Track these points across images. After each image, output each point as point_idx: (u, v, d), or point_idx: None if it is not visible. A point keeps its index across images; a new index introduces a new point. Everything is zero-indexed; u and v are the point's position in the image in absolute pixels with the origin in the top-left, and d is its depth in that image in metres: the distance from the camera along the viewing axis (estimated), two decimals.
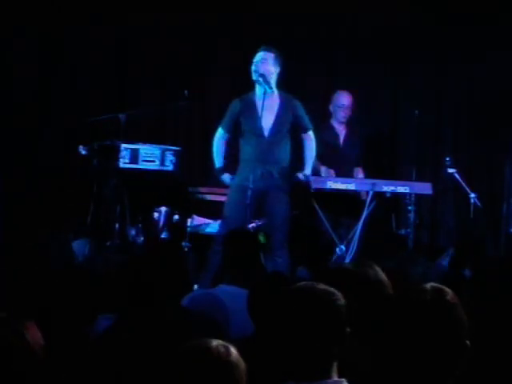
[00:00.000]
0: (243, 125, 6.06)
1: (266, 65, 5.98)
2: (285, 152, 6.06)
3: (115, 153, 6.46)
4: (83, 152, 6.48)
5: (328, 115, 6.83)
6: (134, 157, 6.54)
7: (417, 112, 7.05)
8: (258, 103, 5.97)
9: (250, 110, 6.01)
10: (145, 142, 6.74)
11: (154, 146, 6.69)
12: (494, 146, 7.43)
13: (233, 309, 3.40)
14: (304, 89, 7.49)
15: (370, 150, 6.96)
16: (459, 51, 7.44)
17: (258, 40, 6.17)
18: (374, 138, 7.37)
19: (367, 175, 6.71)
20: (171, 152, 6.69)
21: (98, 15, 7.30)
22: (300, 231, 6.50)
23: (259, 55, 6.02)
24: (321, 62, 7.61)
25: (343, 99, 6.70)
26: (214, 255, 5.66)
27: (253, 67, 6.00)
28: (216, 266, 5.56)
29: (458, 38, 7.43)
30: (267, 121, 5.98)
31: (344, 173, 6.61)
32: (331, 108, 6.77)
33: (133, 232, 6.44)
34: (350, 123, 6.79)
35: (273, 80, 6.03)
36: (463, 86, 7.55)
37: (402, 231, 6.61)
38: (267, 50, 6.03)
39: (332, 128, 6.78)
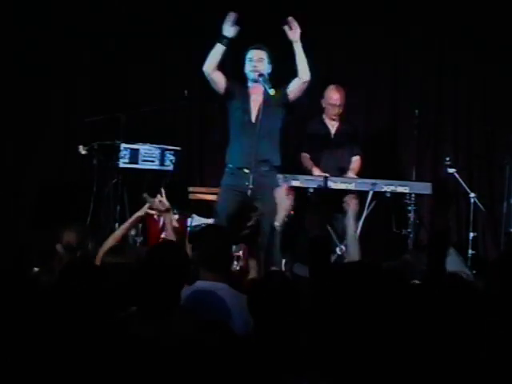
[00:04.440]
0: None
1: (262, 64, 5.94)
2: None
3: (115, 152, 6.48)
4: (83, 152, 6.48)
5: (320, 110, 6.77)
6: (134, 157, 6.56)
7: (417, 112, 7.05)
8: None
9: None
10: (145, 142, 6.75)
11: (154, 145, 6.70)
12: (494, 145, 7.44)
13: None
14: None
15: (370, 150, 6.94)
16: (459, 51, 7.44)
17: (258, 38, 6.15)
18: (374, 138, 7.37)
19: (365, 168, 6.69)
20: (171, 152, 6.70)
21: (98, 14, 7.31)
22: (299, 231, 6.50)
23: (254, 53, 5.95)
24: (320, 60, 7.60)
25: (333, 97, 6.60)
26: None
27: (249, 67, 5.95)
28: None
29: (458, 37, 7.43)
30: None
31: (337, 165, 6.59)
32: (323, 103, 6.70)
33: (133, 232, 6.44)
34: (342, 117, 6.75)
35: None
36: (463, 85, 7.55)
37: (402, 231, 6.61)
38: (260, 48, 5.95)
39: (322, 123, 6.70)
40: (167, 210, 4.63)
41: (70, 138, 7.10)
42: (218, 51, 5.80)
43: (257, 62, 5.89)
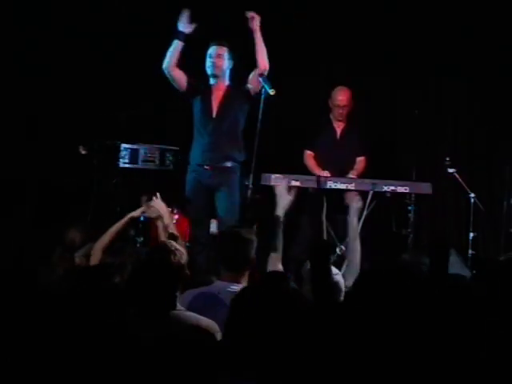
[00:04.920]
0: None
1: (221, 60, 5.95)
2: None
3: (115, 152, 6.48)
4: (83, 152, 6.48)
5: (328, 110, 6.86)
6: (134, 157, 6.56)
7: (417, 112, 7.05)
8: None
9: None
10: (145, 142, 6.75)
11: (154, 145, 6.70)
12: (494, 145, 7.43)
13: None
14: (303, 88, 7.49)
15: (370, 150, 6.95)
16: (459, 50, 7.43)
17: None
18: (374, 139, 7.36)
19: (365, 168, 6.72)
20: (171, 152, 6.70)
21: (98, 14, 7.30)
22: (298, 231, 6.50)
23: (213, 50, 5.96)
24: (320, 61, 7.61)
25: (339, 98, 6.75)
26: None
27: (208, 63, 5.97)
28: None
29: (458, 37, 7.42)
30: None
31: (341, 166, 6.66)
32: (330, 104, 6.82)
33: (133, 232, 6.43)
34: (348, 118, 6.82)
35: (226, 75, 6.01)
36: (463, 85, 7.54)
37: (402, 231, 6.61)
38: (220, 44, 5.97)
39: (329, 123, 6.86)
40: (159, 216, 4.50)
41: (70, 138, 7.10)
42: (176, 48, 5.88)
43: (215, 58, 5.93)
